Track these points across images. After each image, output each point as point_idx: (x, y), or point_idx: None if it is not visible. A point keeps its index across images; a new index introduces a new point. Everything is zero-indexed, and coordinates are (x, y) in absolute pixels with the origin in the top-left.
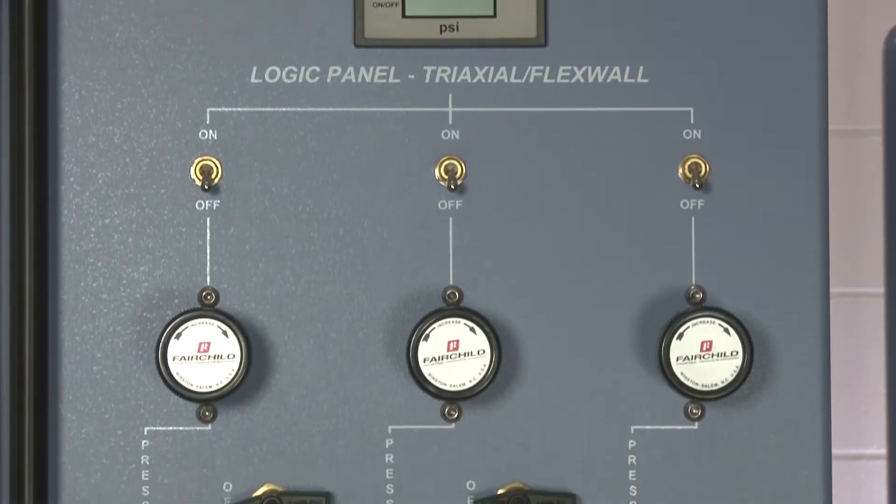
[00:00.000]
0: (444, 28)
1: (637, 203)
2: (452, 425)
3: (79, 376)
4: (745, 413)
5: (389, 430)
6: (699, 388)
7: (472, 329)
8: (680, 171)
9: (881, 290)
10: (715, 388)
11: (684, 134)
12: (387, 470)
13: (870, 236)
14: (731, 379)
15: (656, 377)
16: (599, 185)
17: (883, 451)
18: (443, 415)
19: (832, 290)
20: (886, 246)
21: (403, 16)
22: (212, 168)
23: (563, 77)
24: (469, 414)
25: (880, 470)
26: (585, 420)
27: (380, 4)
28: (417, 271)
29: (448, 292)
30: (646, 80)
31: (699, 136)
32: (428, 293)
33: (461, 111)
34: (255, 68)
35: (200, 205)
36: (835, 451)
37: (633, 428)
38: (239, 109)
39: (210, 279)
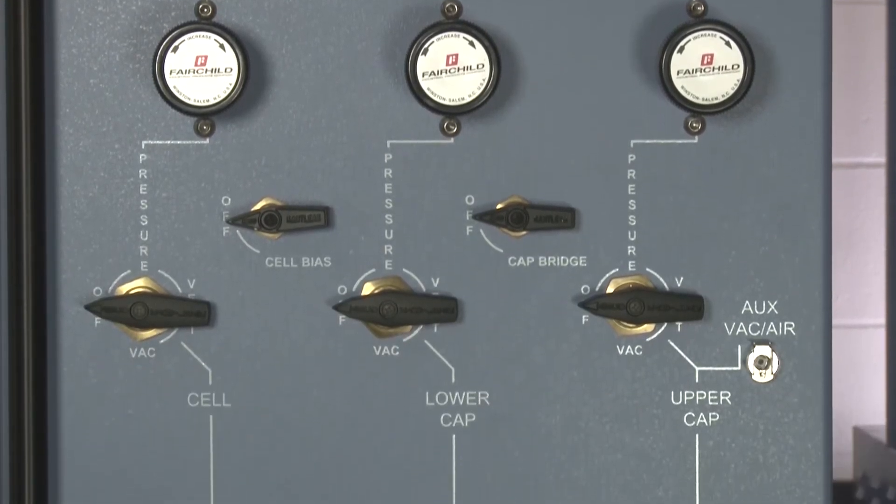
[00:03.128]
0: None
1: None
2: (451, 140)
3: (75, 89)
4: (745, 126)
5: (388, 145)
6: (700, 101)
7: (471, 43)
8: None
9: None
10: (715, 101)
11: None
12: (385, 185)
13: None
14: (731, 92)
15: (656, 91)
16: None
17: (882, 159)
18: (442, 129)
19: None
20: None
21: None
22: None
23: None
24: (468, 129)
25: (878, 178)
26: (585, 134)
27: None
28: None
29: (447, 6)
30: None
31: None
32: (427, 7)
33: None
34: None
35: None
36: (834, 159)
37: (632, 142)
38: None
39: None
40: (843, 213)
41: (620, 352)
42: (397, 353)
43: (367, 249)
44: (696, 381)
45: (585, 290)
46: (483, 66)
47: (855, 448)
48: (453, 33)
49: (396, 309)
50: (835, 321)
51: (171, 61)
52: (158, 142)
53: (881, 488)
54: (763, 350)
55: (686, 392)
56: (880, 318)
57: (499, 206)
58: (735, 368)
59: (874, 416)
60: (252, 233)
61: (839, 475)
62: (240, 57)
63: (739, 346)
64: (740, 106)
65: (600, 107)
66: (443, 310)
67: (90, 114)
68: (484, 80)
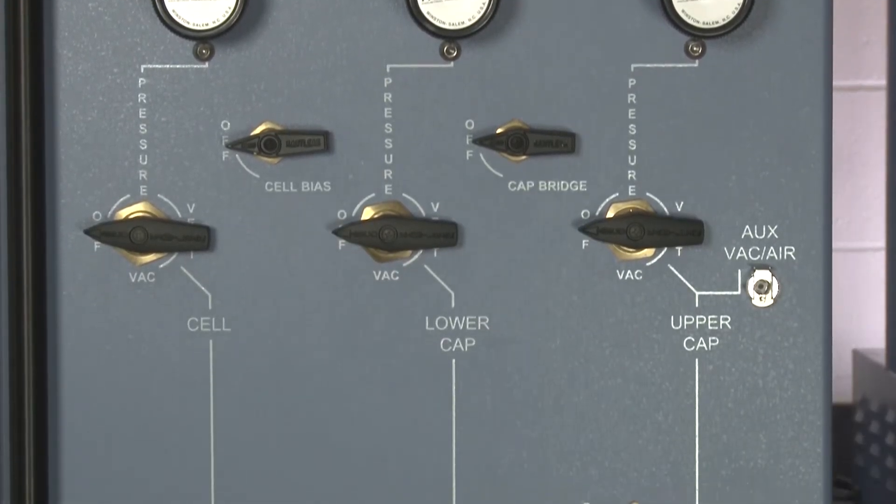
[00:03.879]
0: None
1: None
2: (451, 64)
3: (74, 13)
4: (746, 50)
5: (388, 69)
6: (700, 25)
7: None
8: None
9: None
10: (716, 25)
11: None
12: (385, 109)
13: None
14: (732, 16)
15: (657, 15)
16: None
17: (882, 82)
18: (442, 53)
19: None
20: None
21: None
22: None
23: None
24: (468, 53)
25: (879, 101)
26: (585, 59)
27: None
28: None
29: None
30: None
31: None
32: None
33: None
34: None
35: None
36: (834, 82)
37: (632, 66)
38: None
39: None
40: (842, 137)
41: (620, 276)
42: (397, 277)
43: (366, 174)
44: (696, 305)
45: (585, 214)
46: None
47: (854, 371)
48: None
49: (396, 234)
50: (834, 244)
51: None
52: (157, 66)
53: (880, 411)
54: (763, 274)
55: (686, 317)
56: (880, 241)
57: (499, 131)
58: (735, 293)
59: (873, 339)
60: (251, 157)
61: (838, 398)
62: None
63: (739, 271)
64: (741, 30)
65: (600, 31)
66: (442, 234)
67: (89, 38)
68: (484, 3)
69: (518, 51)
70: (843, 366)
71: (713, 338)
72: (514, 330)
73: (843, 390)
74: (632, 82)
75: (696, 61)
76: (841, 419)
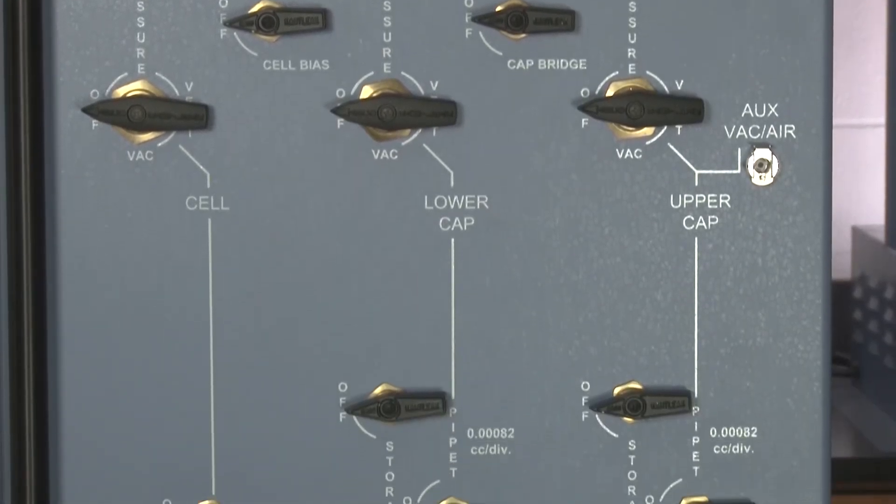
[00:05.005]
0: None
1: None
2: None
3: None
4: None
5: None
6: None
7: None
8: None
9: None
10: None
11: None
12: None
13: None
14: None
15: None
16: None
17: None
18: None
19: None
20: None
21: None
22: None
23: None
24: None
25: None
26: None
27: None
28: None
29: None
30: None
31: None
32: None
33: None
34: None
35: None
36: None
37: None
38: None
39: None
40: (843, 12)
41: (620, 155)
42: (396, 156)
43: (365, 52)
44: (696, 184)
45: (585, 93)
46: None
47: (853, 248)
48: None
49: (395, 112)
50: (834, 121)
51: None
52: None
53: (879, 288)
54: (763, 153)
55: (685, 195)
56: (880, 117)
57: (498, 9)
58: (735, 171)
59: (873, 215)
60: (250, 35)
61: (837, 275)
62: None
63: (739, 149)
64: None
65: None
66: (442, 113)
67: None
68: None
69: None
70: (842, 242)
71: (712, 217)
72: (512, 209)
73: (842, 267)
74: None
75: None
76: (840, 296)
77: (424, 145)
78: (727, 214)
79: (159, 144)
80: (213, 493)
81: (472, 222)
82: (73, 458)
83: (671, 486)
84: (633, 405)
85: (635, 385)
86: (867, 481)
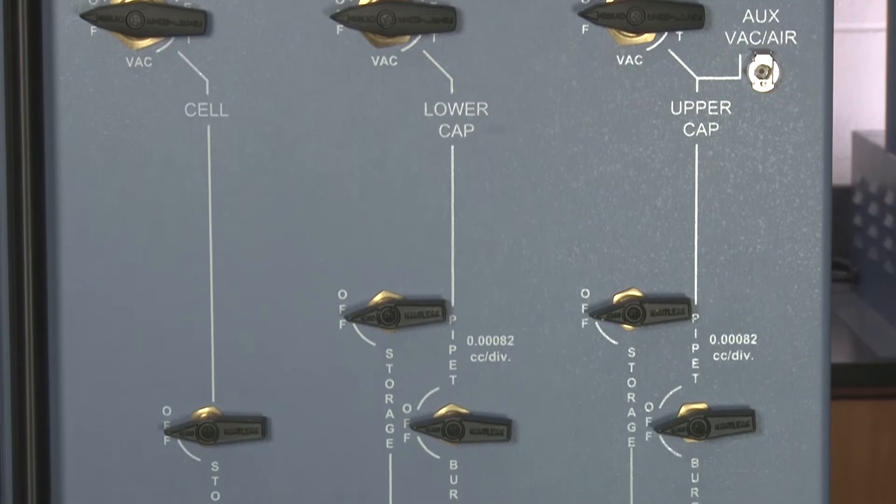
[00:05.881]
0: None
1: None
2: None
3: None
4: None
5: None
6: None
7: None
8: None
9: None
10: None
11: None
12: None
13: None
14: None
15: None
16: None
17: None
18: None
19: None
20: None
21: None
22: None
23: None
24: None
25: None
26: None
27: None
28: None
29: None
30: None
31: None
32: None
33: None
34: None
35: None
36: None
37: None
38: None
39: None
40: None
41: (620, 62)
42: (395, 63)
43: None
44: (696, 90)
45: None
46: None
47: (854, 153)
48: None
49: (395, 18)
50: (835, 26)
51: None
52: None
53: (879, 193)
54: (764, 59)
55: (686, 102)
56: (881, 21)
57: None
58: (735, 78)
59: (873, 121)
60: None
61: (837, 181)
62: None
63: (740, 56)
64: None
65: None
66: (441, 19)
67: None
68: None
69: None
70: (842, 147)
71: (713, 123)
72: (512, 116)
73: (843, 172)
74: None
75: None
76: (840, 201)
77: (424, 52)
78: (728, 121)
79: (158, 51)
80: (213, 400)
81: (472, 129)
82: (72, 374)
83: (670, 393)
84: (633, 312)
85: (635, 292)
86: (866, 386)
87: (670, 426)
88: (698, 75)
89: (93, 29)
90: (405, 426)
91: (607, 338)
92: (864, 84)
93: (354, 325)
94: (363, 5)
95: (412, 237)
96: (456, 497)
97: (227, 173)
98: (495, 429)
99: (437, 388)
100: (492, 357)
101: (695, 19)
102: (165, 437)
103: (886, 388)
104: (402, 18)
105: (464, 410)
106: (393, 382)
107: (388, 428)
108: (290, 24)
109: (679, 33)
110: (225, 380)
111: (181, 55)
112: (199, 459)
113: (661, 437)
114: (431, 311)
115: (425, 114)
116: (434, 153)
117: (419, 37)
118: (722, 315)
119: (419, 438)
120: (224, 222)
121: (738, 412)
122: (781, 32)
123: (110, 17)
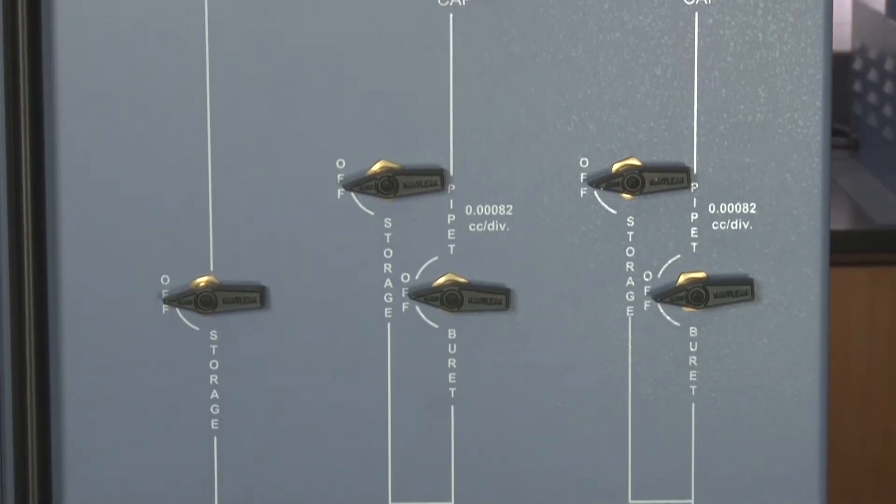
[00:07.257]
0: None
1: None
2: None
3: None
4: None
5: None
6: None
7: None
8: None
9: None
10: None
11: None
12: None
13: None
14: None
15: None
16: None
17: None
18: None
19: None
20: None
21: None
22: None
23: None
24: None
25: None
26: None
27: None
28: None
29: None
30: None
31: None
32: None
33: None
34: None
35: None
36: None
37: None
38: None
39: None
40: None
41: None
42: None
43: None
44: None
45: None
46: None
47: (854, 19)
48: None
49: None
50: None
51: None
52: None
53: (879, 59)
54: None
55: None
56: None
57: None
58: None
59: None
60: None
61: (838, 47)
62: None
63: None
64: None
65: None
66: None
67: None
68: None
69: None
70: (842, 13)
71: None
72: None
73: (842, 38)
74: None
75: None
76: (839, 67)
77: None
78: None
79: None
80: (211, 269)
81: None
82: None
83: (669, 261)
84: (632, 181)
85: (634, 161)
86: (864, 253)
87: (669, 295)
88: None
89: None
90: (404, 295)
91: (606, 207)
92: None
93: (353, 193)
94: None
95: (410, 106)
96: (454, 366)
97: (224, 45)
98: (494, 298)
99: (436, 258)
100: (490, 226)
101: None
102: (164, 305)
103: (885, 254)
104: None
105: (462, 280)
106: (391, 252)
107: (387, 297)
108: None
109: None
110: (223, 249)
111: None
112: (197, 328)
113: (659, 306)
114: (430, 180)
115: None
116: (432, 22)
117: None
118: (721, 184)
119: (418, 307)
120: (222, 92)
121: (737, 281)
122: None
123: None
